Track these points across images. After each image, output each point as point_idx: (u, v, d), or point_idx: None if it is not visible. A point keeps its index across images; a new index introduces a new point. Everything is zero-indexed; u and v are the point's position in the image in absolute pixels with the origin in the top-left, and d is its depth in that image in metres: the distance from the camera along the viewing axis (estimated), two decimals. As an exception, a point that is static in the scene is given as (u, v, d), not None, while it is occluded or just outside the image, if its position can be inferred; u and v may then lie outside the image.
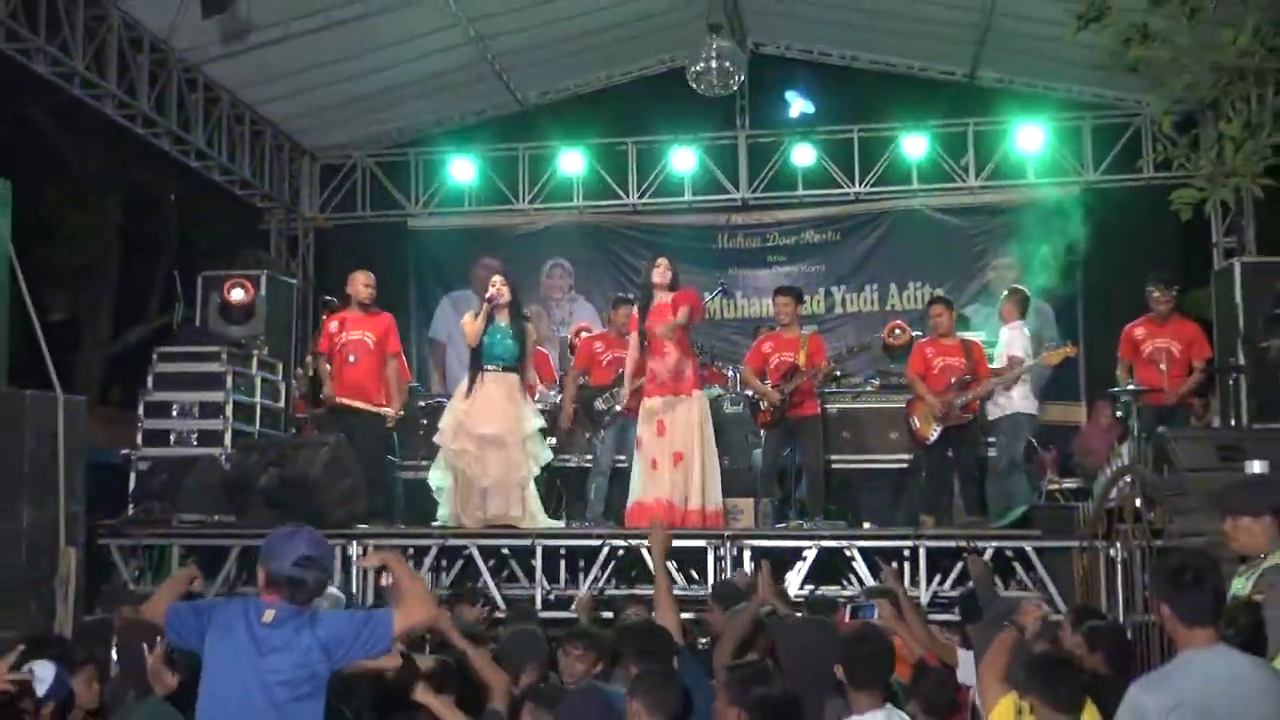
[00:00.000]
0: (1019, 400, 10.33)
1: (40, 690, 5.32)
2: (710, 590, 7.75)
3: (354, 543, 9.01)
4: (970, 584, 7.46)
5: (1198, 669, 4.17)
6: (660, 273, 9.46)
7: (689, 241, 14.64)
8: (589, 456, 10.47)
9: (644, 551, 9.03)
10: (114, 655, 5.92)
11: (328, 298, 12.14)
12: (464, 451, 9.34)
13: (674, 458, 9.27)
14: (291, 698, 3.93)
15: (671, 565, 9.09)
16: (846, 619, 6.36)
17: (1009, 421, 10.33)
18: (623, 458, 10.13)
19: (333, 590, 8.16)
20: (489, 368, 9.36)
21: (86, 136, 15.74)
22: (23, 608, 7.15)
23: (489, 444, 9.25)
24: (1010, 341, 10.48)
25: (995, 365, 10.40)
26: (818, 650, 5.56)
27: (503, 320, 9.40)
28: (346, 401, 10.02)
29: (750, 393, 10.47)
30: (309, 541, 4.21)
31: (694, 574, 9.07)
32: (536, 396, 10.19)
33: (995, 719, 4.55)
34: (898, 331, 12.35)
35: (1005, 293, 11.25)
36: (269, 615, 4.01)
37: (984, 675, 4.73)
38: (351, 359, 10.05)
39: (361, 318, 10.21)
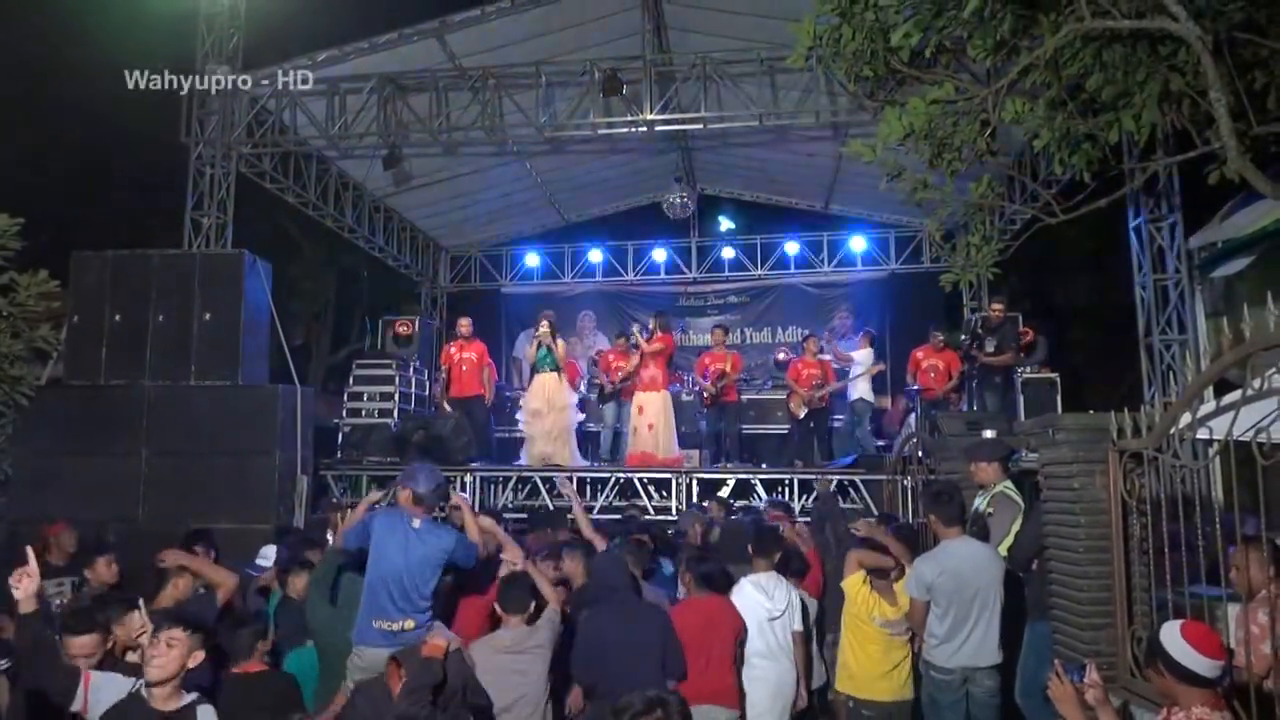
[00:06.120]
0: (864, 391, 10.31)
1: (272, 559, 5.36)
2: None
3: (468, 474, 9.04)
4: (817, 497, 7.39)
5: (951, 550, 4.20)
6: (649, 323, 9.87)
7: (663, 302, 14.42)
8: (601, 424, 10.41)
9: (635, 481, 9.03)
10: (329, 537, 5.92)
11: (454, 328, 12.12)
12: (529, 420, 9.55)
13: (648, 427, 9.33)
14: (425, 568, 3.92)
15: (651, 488, 9.14)
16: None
17: (860, 404, 10.30)
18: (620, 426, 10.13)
19: (464, 495, 8.26)
20: (540, 371, 9.55)
21: (323, 238, 15.58)
22: (275, 510, 7.16)
23: (539, 413, 9.45)
24: (864, 359, 10.50)
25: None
26: (736, 539, 5.56)
27: (545, 344, 9.51)
28: (456, 396, 10.02)
29: (697, 386, 10.45)
30: (435, 474, 4.18)
31: (664, 493, 9.02)
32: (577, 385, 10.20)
33: (849, 581, 4.60)
34: (780, 356, 12.39)
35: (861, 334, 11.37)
36: (417, 523, 3.99)
37: (850, 561, 4.70)
38: (464, 369, 10.05)
39: (467, 344, 10.17)
